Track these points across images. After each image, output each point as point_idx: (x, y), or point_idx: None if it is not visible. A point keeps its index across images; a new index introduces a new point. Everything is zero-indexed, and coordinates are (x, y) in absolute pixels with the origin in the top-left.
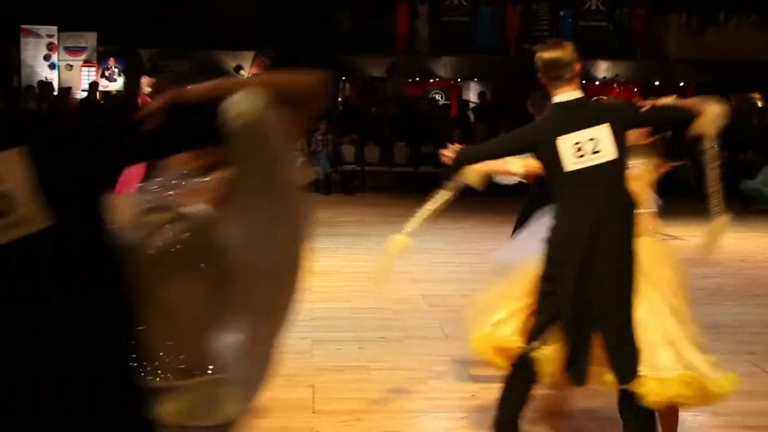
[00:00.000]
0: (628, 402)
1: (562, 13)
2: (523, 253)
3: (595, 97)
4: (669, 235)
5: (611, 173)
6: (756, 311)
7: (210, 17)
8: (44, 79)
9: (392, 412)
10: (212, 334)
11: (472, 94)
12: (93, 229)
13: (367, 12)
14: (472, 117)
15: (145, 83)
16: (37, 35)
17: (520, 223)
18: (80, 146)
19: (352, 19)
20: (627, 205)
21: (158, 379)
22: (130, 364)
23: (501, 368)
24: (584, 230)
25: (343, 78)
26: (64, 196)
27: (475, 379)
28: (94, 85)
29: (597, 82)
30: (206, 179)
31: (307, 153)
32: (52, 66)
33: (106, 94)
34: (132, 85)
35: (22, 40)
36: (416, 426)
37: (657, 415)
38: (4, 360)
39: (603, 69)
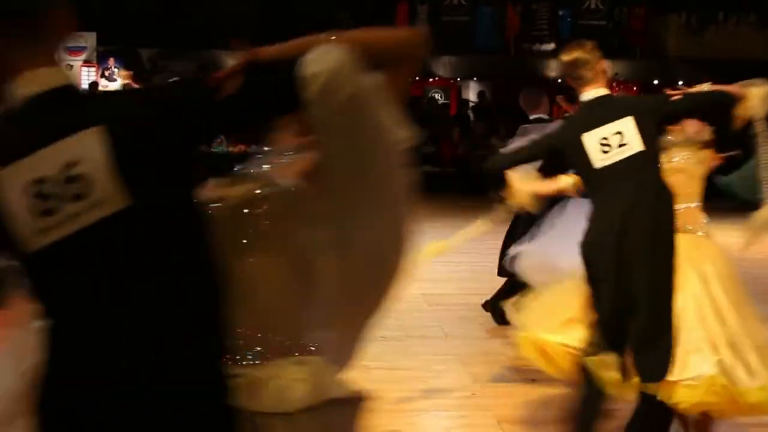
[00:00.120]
0: (647, 405)
1: (561, 13)
2: (554, 255)
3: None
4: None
5: (641, 166)
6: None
7: (210, 17)
8: None
9: (392, 411)
10: (298, 317)
11: (472, 93)
12: (176, 207)
13: (368, 12)
14: (471, 116)
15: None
16: None
17: (515, 226)
18: (159, 121)
19: (352, 18)
20: (662, 198)
21: (242, 363)
22: (216, 348)
23: (543, 369)
24: (616, 228)
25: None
26: (144, 175)
27: (475, 378)
28: (93, 85)
29: None
30: (304, 154)
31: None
32: None
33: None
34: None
35: None
36: (416, 425)
37: (689, 422)
38: (88, 345)
39: None
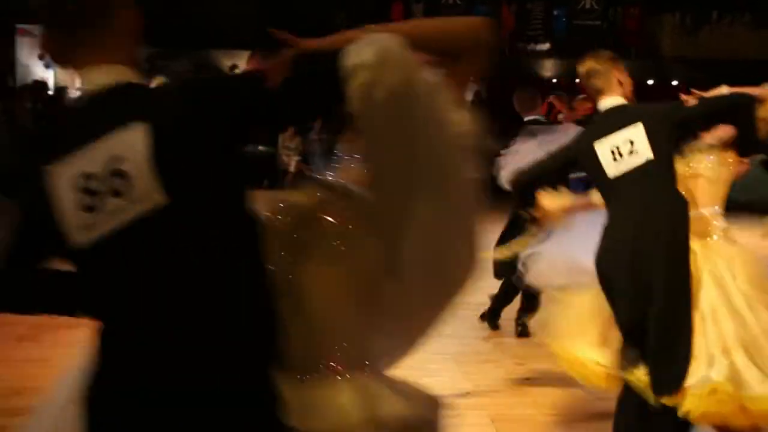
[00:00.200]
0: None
1: (556, 12)
2: (574, 254)
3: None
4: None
5: (652, 174)
6: None
7: (210, 17)
8: (39, 79)
9: None
10: (358, 334)
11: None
12: (221, 207)
13: (366, 11)
14: None
15: None
16: (32, 35)
17: (509, 230)
18: (205, 118)
19: (349, 18)
20: (675, 208)
21: (297, 379)
22: (268, 358)
23: (581, 381)
24: (629, 239)
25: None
26: (184, 173)
27: (470, 377)
28: None
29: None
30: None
31: (301, 152)
32: (47, 65)
33: None
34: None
35: (18, 39)
36: None
37: None
38: (134, 347)
39: None
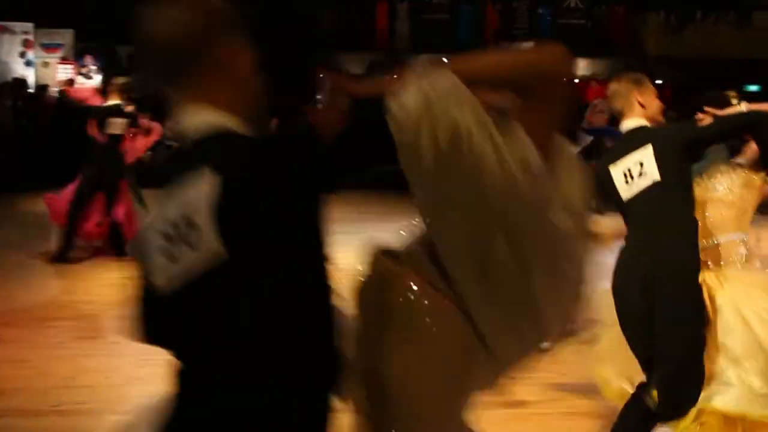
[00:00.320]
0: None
1: (540, 11)
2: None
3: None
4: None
5: (660, 198)
6: None
7: None
8: (19, 76)
9: None
10: (449, 419)
11: None
12: (287, 267)
13: (352, 11)
14: None
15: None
16: (12, 32)
17: None
18: (273, 177)
19: (334, 17)
20: (683, 232)
21: None
22: (329, 420)
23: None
24: (641, 266)
25: (322, 76)
26: (246, 230)
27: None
28: (70, 83)
29: (575, 81)
30: None
31: None
32: (28, 63)
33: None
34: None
35: None
36: None
37: None
38: (201, 391)
39: (581, 67)
